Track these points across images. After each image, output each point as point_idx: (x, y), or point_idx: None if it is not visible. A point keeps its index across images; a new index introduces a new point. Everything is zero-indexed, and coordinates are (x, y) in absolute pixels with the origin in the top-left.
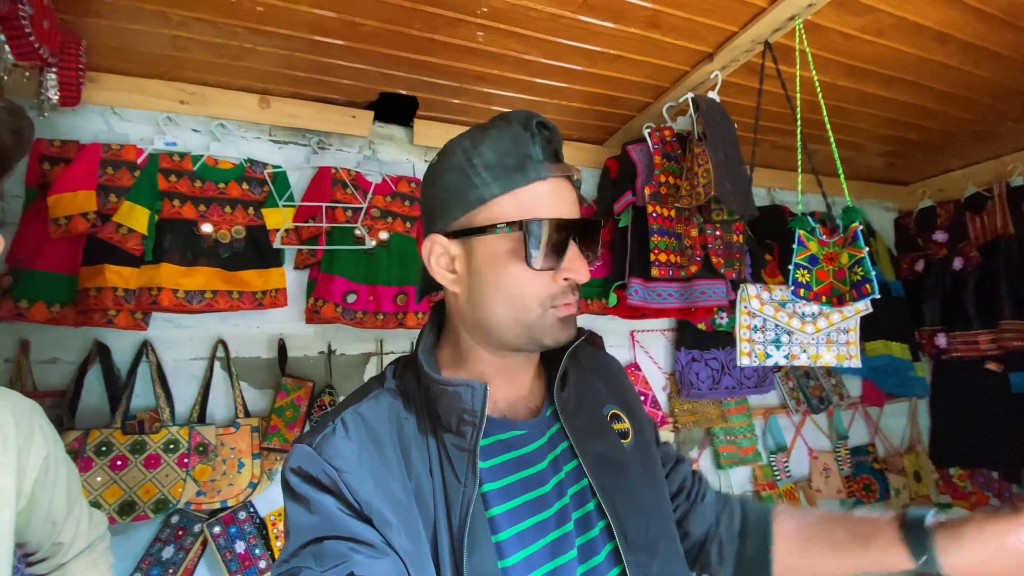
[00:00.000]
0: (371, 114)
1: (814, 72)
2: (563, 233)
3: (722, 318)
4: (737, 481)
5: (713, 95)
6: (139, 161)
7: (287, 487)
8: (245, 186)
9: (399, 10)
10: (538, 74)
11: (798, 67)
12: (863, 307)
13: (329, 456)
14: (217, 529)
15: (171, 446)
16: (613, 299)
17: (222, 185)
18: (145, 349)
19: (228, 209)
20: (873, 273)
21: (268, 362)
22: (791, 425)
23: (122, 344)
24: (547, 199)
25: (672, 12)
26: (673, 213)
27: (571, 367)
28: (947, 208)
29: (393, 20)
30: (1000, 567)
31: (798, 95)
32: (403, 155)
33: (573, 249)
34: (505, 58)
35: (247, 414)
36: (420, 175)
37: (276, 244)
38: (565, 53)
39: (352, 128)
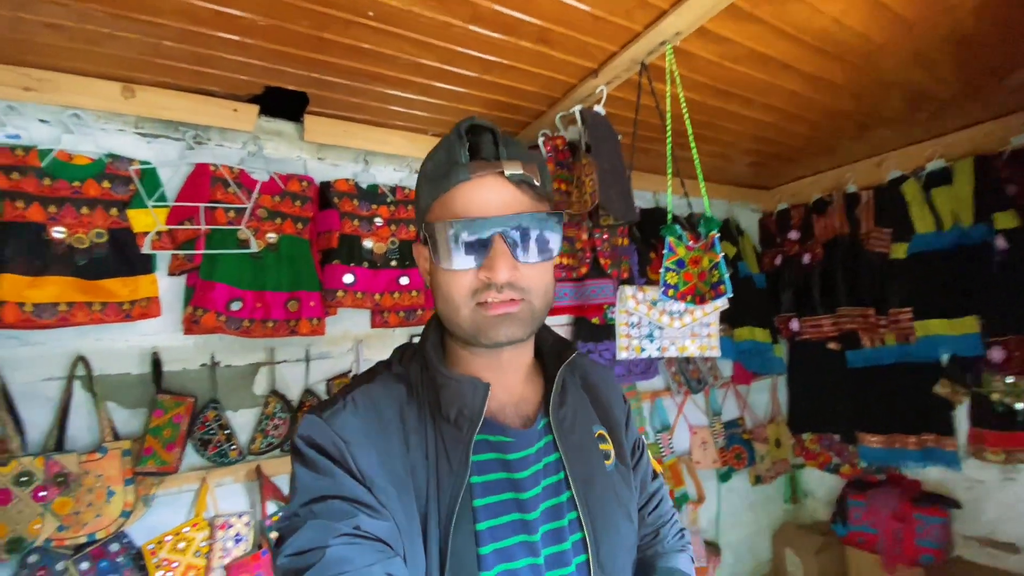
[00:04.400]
0: (256, 108)
1: (680, 91)
2: (475, 230)
3: (612, 312)
4: None
5: (599, 108)
6: None
7: (296, 451)
8: (106, 184)
9: (283, 6)
10: (435, 78)
11: (668, 86)
12: (721, 304)
13: (338, 428)
14: (85, 565)
15: (23, 478)
16: None
17: (77, 183)
18: None
19: (85, 210)
20: (727, 275)
21: (140, 378)
22: (674, 405)
23: None
24: (463, 200)
25: (559, 30)
26: (566, 218)
27: (569, 381)
28: (799, 211)
29: (275, 15)
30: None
31: (668, 112)
32: (293, 152)
33: (497, 245)
34: (399, 60)
35: (116, 437)
36: (312, 172)
37: (145, 249)
38: (460, 59)
39: (234, 122)
